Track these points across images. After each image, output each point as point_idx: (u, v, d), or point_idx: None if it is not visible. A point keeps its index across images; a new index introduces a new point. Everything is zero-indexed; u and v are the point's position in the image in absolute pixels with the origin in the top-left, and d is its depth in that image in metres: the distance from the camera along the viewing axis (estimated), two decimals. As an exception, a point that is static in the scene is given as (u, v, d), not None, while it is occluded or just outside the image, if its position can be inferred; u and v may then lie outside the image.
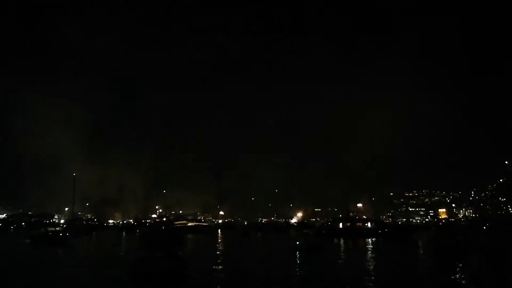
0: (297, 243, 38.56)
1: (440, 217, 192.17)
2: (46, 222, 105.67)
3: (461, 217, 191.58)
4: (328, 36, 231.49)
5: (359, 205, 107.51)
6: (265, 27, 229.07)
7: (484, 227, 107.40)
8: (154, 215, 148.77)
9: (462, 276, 22.94)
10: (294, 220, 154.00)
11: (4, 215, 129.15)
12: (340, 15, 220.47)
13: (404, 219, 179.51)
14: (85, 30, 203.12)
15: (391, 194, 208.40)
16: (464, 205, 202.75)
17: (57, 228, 66.23)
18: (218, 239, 62.27)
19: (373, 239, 58.84)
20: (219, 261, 30.63)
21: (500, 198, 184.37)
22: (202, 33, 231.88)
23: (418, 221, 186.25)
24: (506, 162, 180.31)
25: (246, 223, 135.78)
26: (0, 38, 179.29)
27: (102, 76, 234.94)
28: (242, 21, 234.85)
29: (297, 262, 30.40)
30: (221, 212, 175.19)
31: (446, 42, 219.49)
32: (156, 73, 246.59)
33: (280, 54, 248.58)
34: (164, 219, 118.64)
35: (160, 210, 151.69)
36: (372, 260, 31.47)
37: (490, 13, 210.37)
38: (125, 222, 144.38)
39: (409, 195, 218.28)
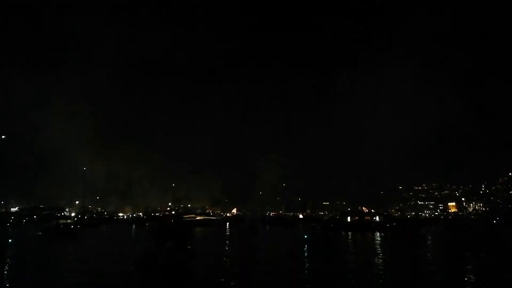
0: (305, 236, 38.63)
1: (450, 210, 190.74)
2: (57, 215, 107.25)
3: (471, 210, 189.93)
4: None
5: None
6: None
7: (494, 221, 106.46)
8: (163, 209, 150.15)
9: (469, 271, 22.83)
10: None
11: (16, 208, 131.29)
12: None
13: (413, 213, 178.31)
14: (91, 25, 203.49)
15: (400, 187, 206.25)
16: (474, 198, 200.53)
17: (68, 221, 67.34)
18: (226, 232, 62.92)
19: (381, 233, 58.73)
20: (226, 253, 30.91)
21: (511, 192, 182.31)
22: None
23: (427, 214, 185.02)
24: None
25: (253, 216, 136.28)
26: (5, 32, 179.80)
27: (109, 72, 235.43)
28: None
29: (304, 255, 30.53)
30: (229, 206, 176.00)
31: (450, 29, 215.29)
32: (162, 66, 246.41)
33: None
34: (173, 212, 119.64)
35: (170, 204, 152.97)
36: (380, 253, 31.46)
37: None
38: (134, 215, 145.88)
39: (418, 188, 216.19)
